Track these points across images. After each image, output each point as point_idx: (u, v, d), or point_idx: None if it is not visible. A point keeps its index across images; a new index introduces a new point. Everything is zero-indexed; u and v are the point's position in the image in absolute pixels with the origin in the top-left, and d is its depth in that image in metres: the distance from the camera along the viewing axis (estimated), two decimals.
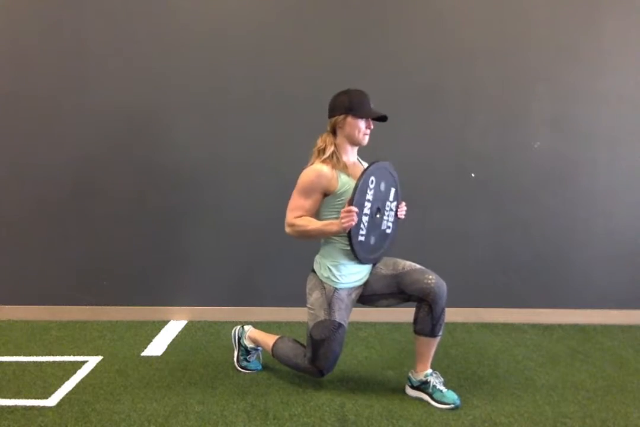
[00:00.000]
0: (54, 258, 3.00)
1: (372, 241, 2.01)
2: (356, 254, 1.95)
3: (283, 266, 2.95)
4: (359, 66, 2.79)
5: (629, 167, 2.88)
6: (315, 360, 2.04)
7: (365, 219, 1.93)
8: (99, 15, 2.82)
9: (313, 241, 2.10)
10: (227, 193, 2.93)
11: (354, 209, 1.83)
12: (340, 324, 2.00)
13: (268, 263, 2.97)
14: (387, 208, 2.06)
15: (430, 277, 1.98)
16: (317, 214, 2.05)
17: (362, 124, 1.97)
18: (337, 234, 1.92)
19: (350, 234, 1.89)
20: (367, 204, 1.93)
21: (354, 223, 1.83)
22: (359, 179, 1.88)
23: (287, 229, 2.00)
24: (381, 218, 2.04)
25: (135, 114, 2.89)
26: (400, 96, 2.80)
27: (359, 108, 1.95)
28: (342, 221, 1.83)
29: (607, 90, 2.82)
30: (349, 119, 1.96)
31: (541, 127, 2.86)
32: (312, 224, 1.94)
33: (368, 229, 1.96)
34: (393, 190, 2.07)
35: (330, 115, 2.01)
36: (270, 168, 2.90)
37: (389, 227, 2.10)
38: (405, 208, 2.15)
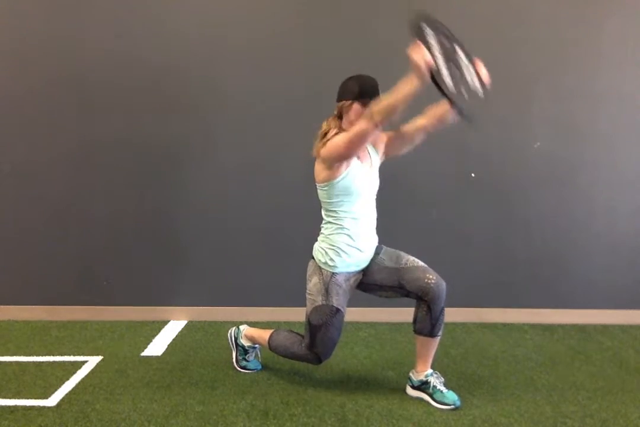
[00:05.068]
0: (54, 258, 2.99)
1: (466, 95, 1.64)
2: (457, 107, 1.59)
3: (283, 266, 2.95)
4: (359, 66, 2.76)
5: (629, 167, 2.88)
6: (313, 346, 2.03)
7: (442, 67, 1.58)
8: (100, 15, 2.82)
9: (313, 239, 2.10)
10: (227, 193, 2.93)
11: (417, 43, 1.57)
12: (338, 309, 2.00)
13: (268, 263, 2.97)
14: (464, 65, 1.70)
15: (430, 276, 1.98)
16: (325, 204, 2.02)
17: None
18: (418, 83, 1.62)
19: (434, 78, 1.55)
20: (435, 49, 1.59)
21: (427, 59, 1.57)
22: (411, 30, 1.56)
23: (370, 122, 1.74)
24: (463, 74, 1.66)
25: (135, 114, 2.88)
26: None
27: (366, 96, 1.91)
28: (411, 57, 1.59)
29: (606, 90, 2.82)
30: (356, 105, 1.91)
31: (541, 127, 2.86)
32: (385, 97, 1.71)
33: (454, 80, 1.60)
34: (458, 48, 1.72)
35: (338, 100, 1.97)
36: (270, 168, 2.89)
37: (479, 89, 1.69)
38: (484, 68, 1.78)
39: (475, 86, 1.68)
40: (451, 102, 1.61)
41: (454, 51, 1.70)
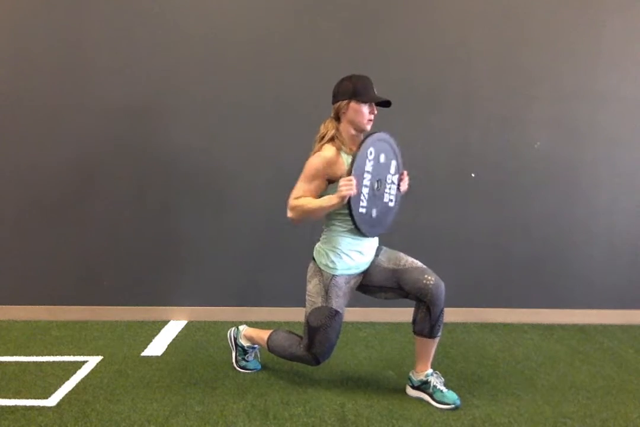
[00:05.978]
0: (54, 258, 3.00)
1: (374, 213, 1.99)
2: (357, 226, 1.93)
3: (283, 265, 2.95)
4: (359, 67, 2.77)
5: (629, 167, 2.88)
6: (311, 347, 2.04)
7: (365, 191, 1.92)
8: (100, 16, 2.82)
9: (313, 239, 2.10)
10: (227, 193, 2.94)
11: (352, 177, 1.83)
12: (337, 312, 2.00)
13: (268, 263, 2.97)
14: (389, 181, 2.04)
15: (429, 277, 1.98)
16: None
17: (365, 109, 1.94)
18: (337, 206, 1.87)
19: (350, 205, 1.87)
20: (367, 176, 1.92)
21: (352, 192, 1.81)
22: (356, 150, 1.88)
23: (289, 213, 1.97)
24: (382, 191, 2.02)
25: (135, 115, 2.88)
26: (400, 97, 2.79)
27: (362, 93, 1.94)
28: (340, 189, 1.81)
29: (607, 90, 2.82)
30: (353, 104, 1.93)
31: (541, 127, 2.86)
32: (312, 201, 1.91)
33: (369, 201, 1.95)
34: (394, 162, 2.05)
35: (334, 101, 1.99)
36: (270, 168, 2.90)
37: (391, 201, 2.07)
38: (407, 179, 2.12)
39: (387, 202, 2.05)
40: (354, 222, 1.93)
41: (387, 168, 2.02)
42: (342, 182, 1.82)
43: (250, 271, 2.99)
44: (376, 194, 1.99)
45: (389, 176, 2.04)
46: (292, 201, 1.95)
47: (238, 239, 2.96)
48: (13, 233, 2.99)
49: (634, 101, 2.83)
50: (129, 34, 2.83)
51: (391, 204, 2.08)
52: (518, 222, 2.93)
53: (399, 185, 2.10)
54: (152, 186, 2.94)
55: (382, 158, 1.98)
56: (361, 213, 1.93)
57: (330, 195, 1.88)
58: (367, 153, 1.90)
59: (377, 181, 1.98)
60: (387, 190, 2.04)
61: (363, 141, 1.90)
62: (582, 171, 2.89)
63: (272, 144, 2.88)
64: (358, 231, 1.96)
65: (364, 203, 1.93)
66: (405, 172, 2.11)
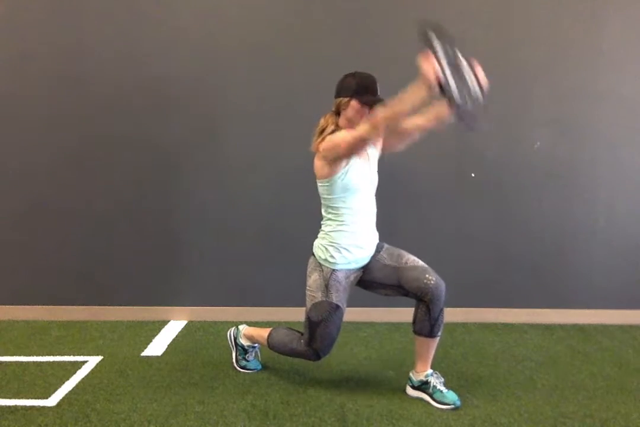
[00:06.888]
0: (53, 258, 3.00)
1: (469, 105, 1.66)
2: (460, 116, 1.63)
3: (283, 266, 2.95)
4: (359, 66, 2.78)
5: (629, 167, 2.88)
6: (312, 342, 2.04)
7: (449, 76, 1.61)
8: (101, 14, 2.82)
9: (313, 239, 2.10)
10: (228, 193, 2.93)
11: (429, 55, 1.59)
12: (337, 306, 2.00)
13: (268, 263, 2.97)
14: (466, 72, 1.71)
15: (430, 277, 1.98)
16: (325, 200, 2.02)
17: (365, 108, 1.94)
18: (424, 93, 1.64)
19: (442, 88, 1.58)
20: (443, 60, 1.62)
21: (438, 73, 1.59)
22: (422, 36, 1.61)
23: (368, 134, 1.77)
24: (464, 78, 1.69)
25: (135, 114, 2.88)
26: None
27: (363, 93, 1.93)
28: (423, 72, 1.61)
29: (607, 90, 2.82)
30: (353, 102, 1.93)
31: (541, 127, 2.86)
32: (387, 105, 1.72)
33: (459, 89, 1.63)
34: (460, 54, 1.74)
35: (336, 96, 1.99)
36: (269, 168, 2.89)
37: (477, 93, 1.71)
38: (481, 70, 1.78)
39: (475, 91, 1.71)
40: (459, 115, 1.64)
41: (456, 56, 1.72)
42: (421, 63, 1.61)
43: (250, 271, 2.99)
44: (459, 84, 1.66)
45: (463, 66, 1.72)
46: (364, 124, 1.78)
47: (238, 238, 2.96)
48: (13, 233, 2.99)
49: (634, 101, 2.83)
50: (129, 33, 2.83)
51: (480, 98, 1.71)
52: (518, 222, 2.93)
53: (477, 81, 1.74)
54: (152, 186, 2.94)
55: (447, 47, 1.69)
56: (459, 104, 1.61)
57: (413, 85, 1.65)
58: (430, 35, 1.62)
59: (454, 69, 1.67)
60: (468, 80, 1.71)
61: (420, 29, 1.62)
62: (582, 171, 2.89)
63: (272, 143, 2.87)
64: (463, 123, 1.65)
65: (456, 92, 1.61)
66: (475, 61, 1.78)
